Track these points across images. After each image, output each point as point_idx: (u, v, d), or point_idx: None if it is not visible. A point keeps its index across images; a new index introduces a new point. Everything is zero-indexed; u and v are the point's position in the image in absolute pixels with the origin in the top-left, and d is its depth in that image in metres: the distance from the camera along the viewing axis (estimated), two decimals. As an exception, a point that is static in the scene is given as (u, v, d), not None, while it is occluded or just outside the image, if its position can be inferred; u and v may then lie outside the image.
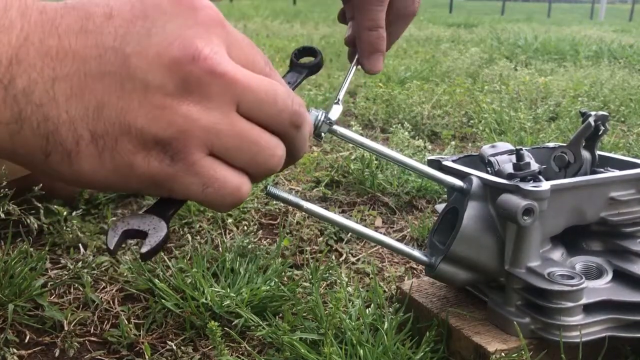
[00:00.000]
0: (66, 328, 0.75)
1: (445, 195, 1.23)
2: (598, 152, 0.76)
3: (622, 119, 2.06)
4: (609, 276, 0.66)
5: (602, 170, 0.74)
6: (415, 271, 0.94)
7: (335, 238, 1.03)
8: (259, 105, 0.40)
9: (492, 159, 0.71)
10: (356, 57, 0.68)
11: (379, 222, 1.14)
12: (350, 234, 1.04)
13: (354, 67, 0.69)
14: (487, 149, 0.72)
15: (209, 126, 0.38)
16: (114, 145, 0.37)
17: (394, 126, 1.63)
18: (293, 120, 0.42)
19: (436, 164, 0.74)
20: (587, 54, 4.06)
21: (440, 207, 0.75)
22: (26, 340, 0.73)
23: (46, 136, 0.36)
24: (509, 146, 0.73)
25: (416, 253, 0.67)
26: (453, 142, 1.56)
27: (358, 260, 0.97)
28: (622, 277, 0.66)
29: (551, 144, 0.79)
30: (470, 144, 1.75)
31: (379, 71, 0.52)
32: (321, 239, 1.03)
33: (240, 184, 0.41)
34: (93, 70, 0.36)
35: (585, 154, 0.74)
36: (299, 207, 0.59)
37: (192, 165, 0.39)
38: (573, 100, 2.14)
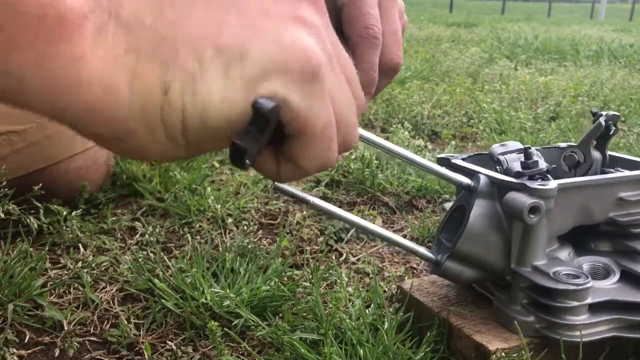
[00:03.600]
0: (66, 328, 0.75)
1: (446, 195, 1.23)
2: (609, 153, 0.75)
3: (623, 119, 2.06)
4: (616, 276, 0.66)
5: (612, 170, 0.73)
6: (415, 271, 0.94)
7: (335, 238, 1.03)
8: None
9: (501, 157, 0.71)
10: None
11: (379, 221, 1.14)
12: (350, 234, 1.04)
13: None
14: (497, 148, 0.72)
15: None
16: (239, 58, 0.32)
17: (394, 126, 1.63)
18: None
19: (445, 162, 0.73)
20: (587, 53, 4.05)
21: (448, 205, 0.75)
22: (26, 340, 0.73)
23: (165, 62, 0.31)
24: (519, 145, 0.72)
25: (422, 250, 0.67)
26: (453, 142, 1.56)
27: (358, 260, 0.97)
28: (629, 278, 0.66)
29: (563, 144, 0.79)
30: (470, 144, 1.75)
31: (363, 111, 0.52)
32: (321, 238, 1.03)
33: None
34: None
35: (596, 154, 0.73)
36: (306, 202, 0.59)
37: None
38: (573, 100, 2.13)
